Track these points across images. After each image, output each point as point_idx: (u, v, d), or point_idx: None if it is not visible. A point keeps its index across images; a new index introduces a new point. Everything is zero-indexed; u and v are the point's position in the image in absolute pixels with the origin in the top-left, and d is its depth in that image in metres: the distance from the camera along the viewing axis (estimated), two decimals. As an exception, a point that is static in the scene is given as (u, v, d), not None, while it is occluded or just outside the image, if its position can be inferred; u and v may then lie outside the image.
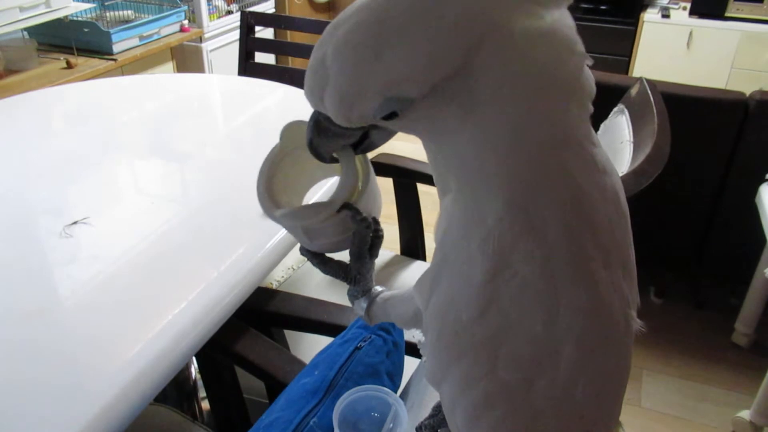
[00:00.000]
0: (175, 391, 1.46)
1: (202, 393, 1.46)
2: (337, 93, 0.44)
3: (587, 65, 0.46)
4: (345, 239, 0.61)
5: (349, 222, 0.59)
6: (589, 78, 0.46)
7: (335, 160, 0.56)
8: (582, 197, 0.45)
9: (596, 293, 0.46)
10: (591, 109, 0.47)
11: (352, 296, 0.66)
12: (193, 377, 1.46)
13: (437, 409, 0.64)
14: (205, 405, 1.47)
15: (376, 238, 0.61)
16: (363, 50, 0.42)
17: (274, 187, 0.62)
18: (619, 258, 0.49)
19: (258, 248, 1.10)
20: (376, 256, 0.63)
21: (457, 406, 0.51)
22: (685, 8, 3.65)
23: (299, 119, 0.60)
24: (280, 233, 1.14)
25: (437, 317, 0.50)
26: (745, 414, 1.86)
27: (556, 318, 0.45)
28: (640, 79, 1.26)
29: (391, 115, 0.45)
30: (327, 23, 0.49)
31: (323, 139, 0.51)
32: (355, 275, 0.64)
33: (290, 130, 0.61)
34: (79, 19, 2.69)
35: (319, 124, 0.50)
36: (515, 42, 0.41)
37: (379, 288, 0.66)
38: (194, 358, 1.33)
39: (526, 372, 0.46)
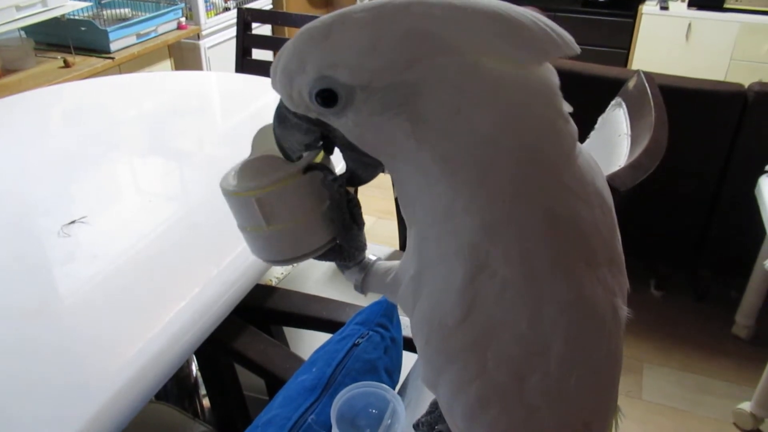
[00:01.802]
0: (176, 389, 1.46)
1: (203, 390, 1.46)
2: (282, 67, 0.47)
3: (566, 117, 0.47)
4: (309, 220, 0.56)
5: (312, 192, 0.55)
6: (566, 133, 0.47)
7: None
8: (562, 204, 0.46)
9: (579, 288, 0.46)
10: (567, 151, 0.47)
11: (343, 266, 0.64)
12: (194, 375, 1.46)
13: (434, 406, 0.64)
14: (207, 402, 1.47)
15: (353, 206, 0.58)
16: (316, 31, 0.45)
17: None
18: (606, 254, 0.49)
19: (256, 245, 1.10)
20: (362, 224, 0.60)
21: (454, 407, 0.51)
22: (683, 0, 3.64)
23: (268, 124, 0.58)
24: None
25: (423, 324, 0.50)
26: (746, 406, 1.87)
27: (541, 315, 0.45)
28: (637, 71, 1.26)
29: (330, 100, 0.46)
30: (324, 19, 0.50)
31: (284, 130, 0.53)
32: (348, 250, 0.61)
33: (261, 134, 0.60)
34: (76, 17, 2.69)
35: (279, 111, 0.52)
36: (475, 75, 0.43)
37: (372, 257, 0.64)
38: (194, 356, 1.33)
39: (517, 370, 0.46)
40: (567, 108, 0.47)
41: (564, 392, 0.47)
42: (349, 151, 0.51)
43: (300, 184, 0.54)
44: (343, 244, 0.59)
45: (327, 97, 0.46)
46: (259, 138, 0.61)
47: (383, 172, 0.53)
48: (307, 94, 0.46)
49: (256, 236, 0.57)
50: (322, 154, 0.55)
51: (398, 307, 0.92)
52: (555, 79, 0.47)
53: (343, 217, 0.57)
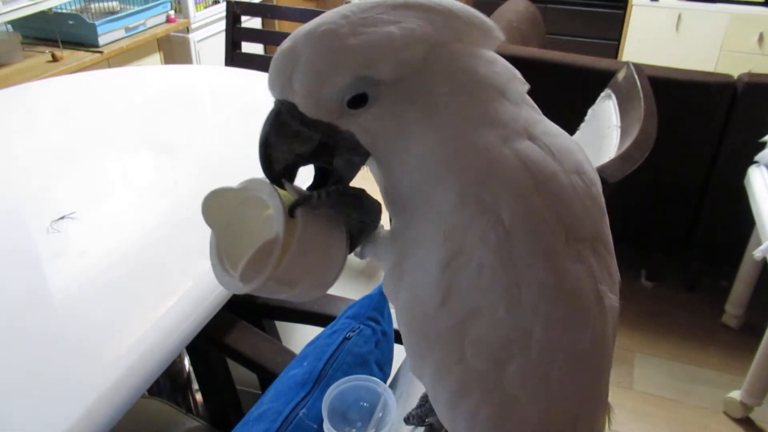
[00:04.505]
0: (169, 384, 1.46)
1: (196, 386, 1.46)
2: (309, 69, 0.45)
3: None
4: (323, 248, 0.53)
5: (310, 232, 0.51)
6: (529, 103, 0.51)
7: (280, 181, 0.51)
8: (538, 172, 0.46)
9: (559, 270, 0.45)
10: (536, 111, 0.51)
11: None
12: (187, 370, 1.46)
13: (425, 399, 0.64)
14: (199, 397, 1.47)
15: (346, 191, 0.53)
16: (341, 32, 0.45)
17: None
18: (590, 228, 0.48)
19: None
20: (363, 192, 0.55)
21: (438, 395, 0.51)
22: (673, -9, 3.65)
23: (214, 190, 0.55)
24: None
25: (405, 312, 0.50)
26: (736, 394, 1.89)
27: (519, 299, 0.45)
28: (626, 63, 1.26)
29: (360, 102, 0.46)
30: (315, 12, 0.50)
31: (280, 138, 0.49)
32: (373, 221, 0.56)
33: (210, 206, 0.56)
34: (64, 11, 2.67)
35: (279, 117, 0.48)
36: (462, 59, 0.47)
37: None
38: (186, 352, 1.33)
39: (496, 357, 0.46)
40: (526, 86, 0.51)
41: (546, 381, 0.47)
42: (345, 154, 0.49)
43: (302, 236, 0.50)
44: (368, 219, 0.56)
45: (360, 100, 0.46)
46: (211, 206, 0.56)
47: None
48: (340, 98, 0.46)
49: (294, 295, 0.54)
50: (282, 191, 0.52)
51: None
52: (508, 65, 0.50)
53: (349, 208, 0.54)
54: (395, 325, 0.92)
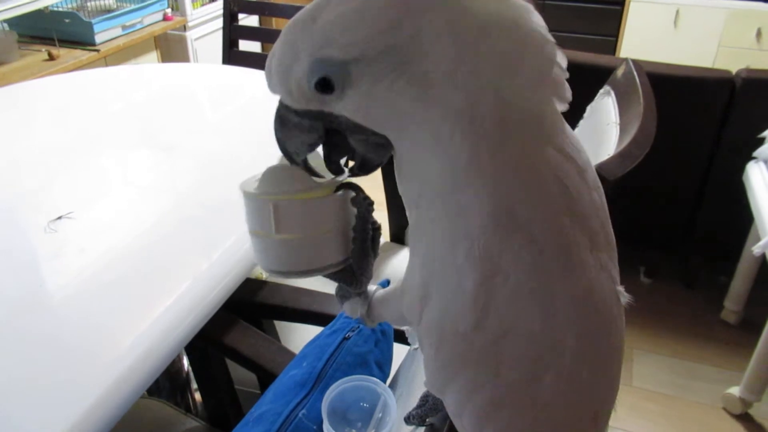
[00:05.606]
0: (168, 384, 1.45)
1: (195, 385, 1.46)
2: (277, 62, 0.46)
3: (562, 69, 0.46)
4: (321, 237, 0.54)
5: (332, 212, 0.53)
6: (560, 83, 0.46)
7: (310, 170, 0.53)
8: (564, 184, 0.45)
9: (588, 280, 0.46)
10: (566, 99, 0.47)
11: (343, 296, 0.62)
12: (186, 370, 1.46)
13: (425, 399, 0.64)
14: (198, 397, 1.47)
15: (375, 228, 0.56)
16: (303, 18, 0.44)
17: None
18: (605, 236, 0.49)
19: (246, 239, 1.09)
20: (377, 253, 0.58)
21: (464, 411, 0.50)
22: (671, -14, 3.64)
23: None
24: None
25: (433, 331, 0.49)
26: (735, 390, 1.89)
27: (554, 313, 0.45)
28: (626, 60, 1.25)
29: (327, 86, 0.44)
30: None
31: (286, 132, 0.51)
32: (358, 276, 0.58)
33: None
34: (60, 9, 2.66)
35: (279, 113, 0.50)
36: (471, 24, 0.42)
37: (372, 287, 0.62)
38: (185, 351, 1.33)
39: (531, 371, 0.46)
40: (562, 59, 0.46)
41: (576, 386, 0.47)
42: (356, 134, 0.48)
43: (324, 202, 0.53)
44: (356, 268, 0.57)
45: (325, 84, 0.44)
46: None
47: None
48: (306, 83, 0.45)
49: (263, 242, 0.56)
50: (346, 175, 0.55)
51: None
52: (544, 26, 0.45)
53: (364, 238, 0.55)
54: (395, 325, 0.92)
